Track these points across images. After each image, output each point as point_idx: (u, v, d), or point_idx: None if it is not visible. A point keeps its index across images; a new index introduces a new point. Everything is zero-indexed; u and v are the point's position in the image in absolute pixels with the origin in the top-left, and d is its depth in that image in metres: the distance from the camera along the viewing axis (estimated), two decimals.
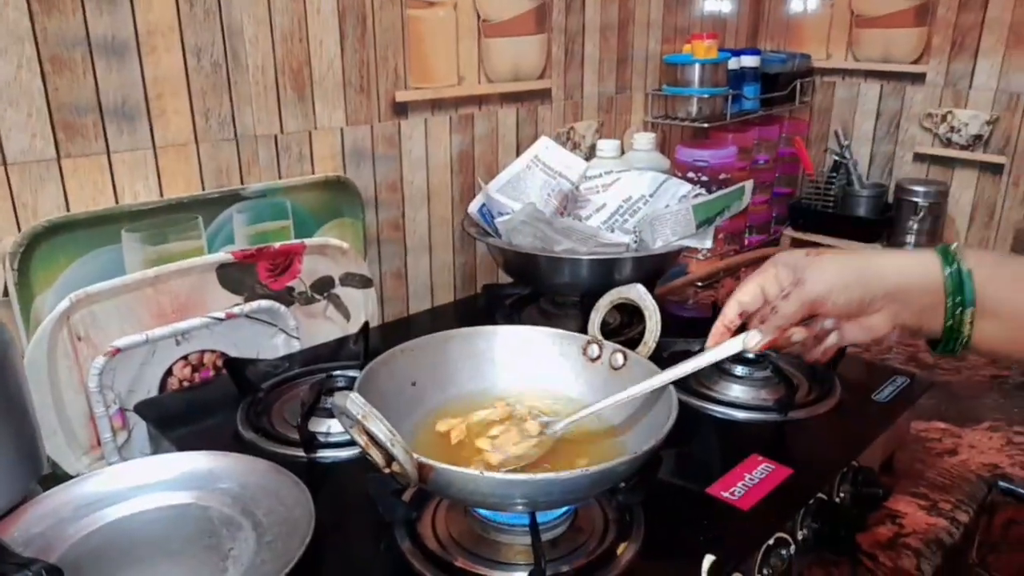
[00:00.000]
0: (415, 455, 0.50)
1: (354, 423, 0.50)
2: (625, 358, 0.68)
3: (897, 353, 1.17)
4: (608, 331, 0.75)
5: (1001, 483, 0.86)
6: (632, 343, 0.69)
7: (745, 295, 0.62)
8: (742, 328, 0.62)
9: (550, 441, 0.62)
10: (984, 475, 0.87)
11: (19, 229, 0.76)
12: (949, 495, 0.83)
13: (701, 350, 0.62)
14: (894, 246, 1.49)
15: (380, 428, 0.48)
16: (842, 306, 0.58)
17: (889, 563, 0.73)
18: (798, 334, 0.60)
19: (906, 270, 0.58)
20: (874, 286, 0.58)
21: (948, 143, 1.48)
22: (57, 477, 0.79)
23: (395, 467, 0.51)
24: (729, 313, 0.62)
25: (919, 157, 1.54)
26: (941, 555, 0.75)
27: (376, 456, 0.52)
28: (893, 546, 0.75)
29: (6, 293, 0.76)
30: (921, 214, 1.43)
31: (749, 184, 0.95)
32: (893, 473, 0.86)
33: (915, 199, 1.44)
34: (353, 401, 0.48)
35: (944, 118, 1.48)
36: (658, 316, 0.67)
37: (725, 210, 0.94)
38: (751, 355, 0.73)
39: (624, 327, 1.01)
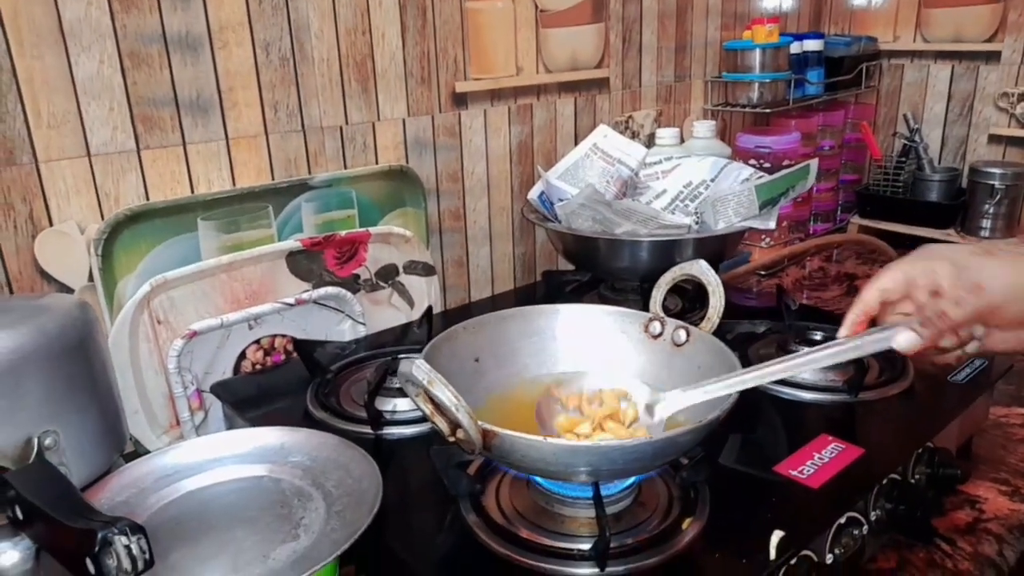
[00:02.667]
0: (480, 422, 0.51)
1: (419, 390, 0.51)
2: (688, 334, 0.67)
3: None
4: (672, 316, 0.75)
5: None
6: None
7: (889, 282, 0.56)
8: (873, 322, 0.57)
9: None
10: None
11: (102, 217, 0.80)
12: None
13: (831, 339, 0.57)
14: (969, 232, 1.43)
15: (445, 393, 0.49)
16: (1013, 317, 0.53)
17: (969, 548, 0.70)
18: (948, 340, 0.54)
19: None
20: None
21: None
22: (139, 455, 0.83)
23: (460, 434, 0.52)
24: (870, 300, 0.56)
25: (994, 139, 1.48)
26: None
27: (441, 424, 0.53)
28: (973, 531, 0.72)
29: (91, 278, 0.80)
30: (997, 197, 1.38)
31: (814, 163, 0.93)
32: (971, 459, 0.83)
33: (991, 182, 1.38)
34: (419, 367, 0.50)
35: (1021, 97, 1.41)
36: (721, 291, 0.66)
37: (790, 190, 0.92)
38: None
39: (686, 312, 1.00)
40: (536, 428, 0.62)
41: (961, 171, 1.50)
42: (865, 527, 0.64)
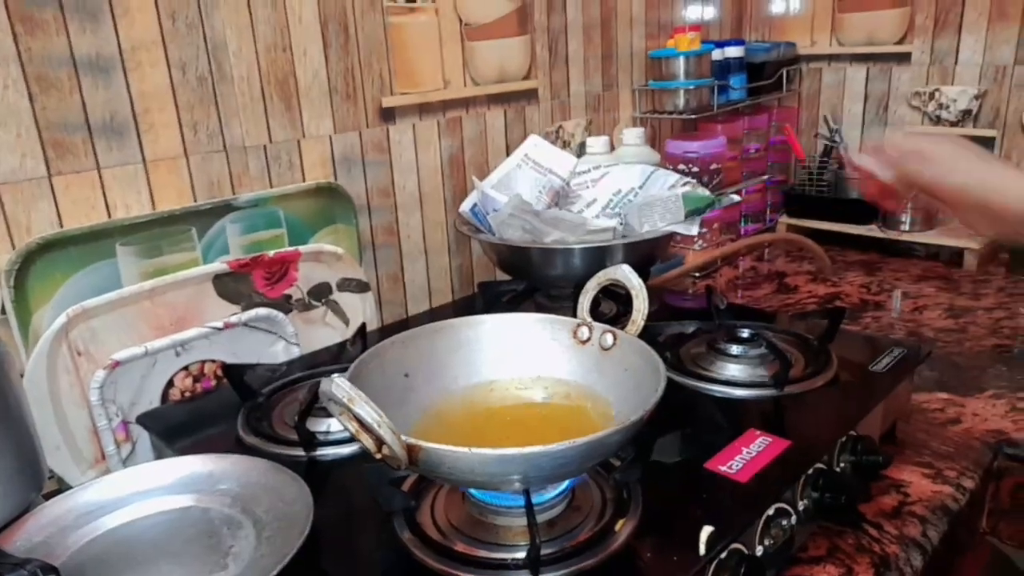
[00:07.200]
0: (403, 436, 0.50)
1: (342, 408, 0.50)
2: (615, 338, 0.68)
3: (899, 328, 1.17)
4: (605, 320, 0.75)
5: (1006, 448, 0.86)
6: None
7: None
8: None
9: None
10: (989, 441, 0.86)
11: (13, 247, 0.77)
12: (954, 462, 0.82)
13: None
14: (890, 226, 1.49)
15: (366, 410, 0.49)
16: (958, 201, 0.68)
17: (894, 531, 0.72)
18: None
19: None
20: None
21: (937, 120, 1.49)
22: (63, 492, 0.80)
23: (385, 450, 0.51)
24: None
25: None
26: (948, 522, 0.75)
27: (367, 441, 0.52)
28: (898, 515, 0.75)
29: (3, 311, 0.77)
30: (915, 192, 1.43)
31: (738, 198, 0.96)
32: (896, 444, 0.86)
33: None
34: (339, 385, 0.49)
35: (932, 96, 1.48)
36: (644, 294, 0.67)
37: (715, 203, 0.95)
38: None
39: (620, 315, 1.01)
40: (470, 439, 0.61)
41: None
42: (794, 517, 0.65)
